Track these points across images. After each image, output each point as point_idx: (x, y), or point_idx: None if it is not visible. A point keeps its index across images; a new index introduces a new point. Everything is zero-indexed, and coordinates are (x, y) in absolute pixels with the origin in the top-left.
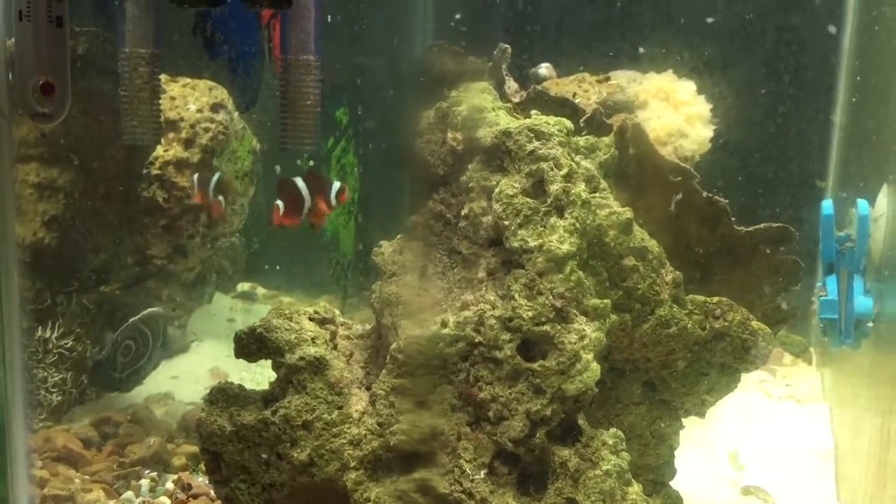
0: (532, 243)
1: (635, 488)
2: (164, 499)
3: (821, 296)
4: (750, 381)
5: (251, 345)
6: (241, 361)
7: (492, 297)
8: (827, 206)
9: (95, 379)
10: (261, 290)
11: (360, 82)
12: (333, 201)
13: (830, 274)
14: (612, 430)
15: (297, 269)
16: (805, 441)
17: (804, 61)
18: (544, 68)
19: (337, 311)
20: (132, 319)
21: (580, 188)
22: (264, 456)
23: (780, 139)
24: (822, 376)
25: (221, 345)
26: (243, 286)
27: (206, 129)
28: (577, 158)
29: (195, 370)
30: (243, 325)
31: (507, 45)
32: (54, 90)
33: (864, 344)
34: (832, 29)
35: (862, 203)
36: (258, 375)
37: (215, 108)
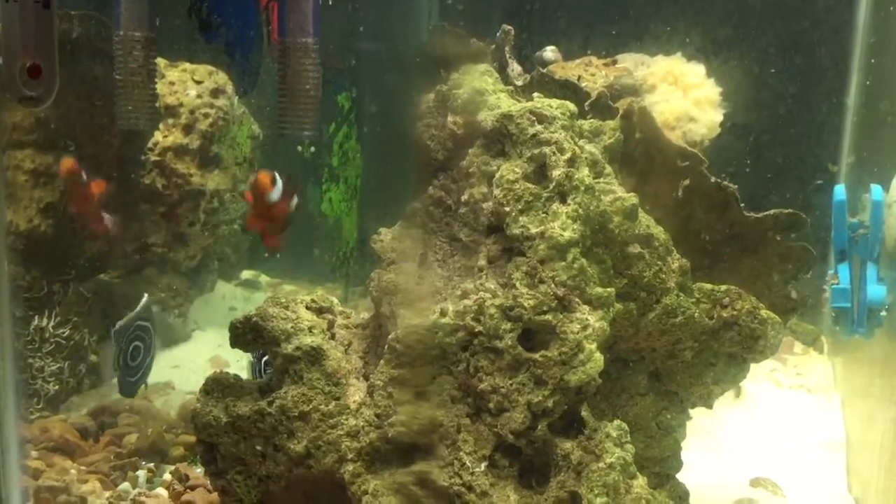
0: (533, 230)
1: (640, 481)
2: (161, 490)
3: (832, 284)
4: (760, 370)
5: (247, 334)
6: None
7: (492, 286)
8: (839, 191)
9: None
10: (264, 279)
11: (362, 65)
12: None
13: (843, 261)
14: (616, 421)
15: (300, 257)
16: (816, 432)
17: (816, 42)
18: (550, 51)
19: (335, 300)
20: (131, 318)
21: (583, 173)
22: (260, 448)
23: (790, 122)
24: (833, 365)
25: (222, 333)
26: (246, 274)
27: (206, 115)
28: (581, 143)
29: (195, 359)
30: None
31: (510, 27)
32: (41, 73)
33: (877, 333)
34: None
35: (876, 188)
36: None
37: (215, 93)
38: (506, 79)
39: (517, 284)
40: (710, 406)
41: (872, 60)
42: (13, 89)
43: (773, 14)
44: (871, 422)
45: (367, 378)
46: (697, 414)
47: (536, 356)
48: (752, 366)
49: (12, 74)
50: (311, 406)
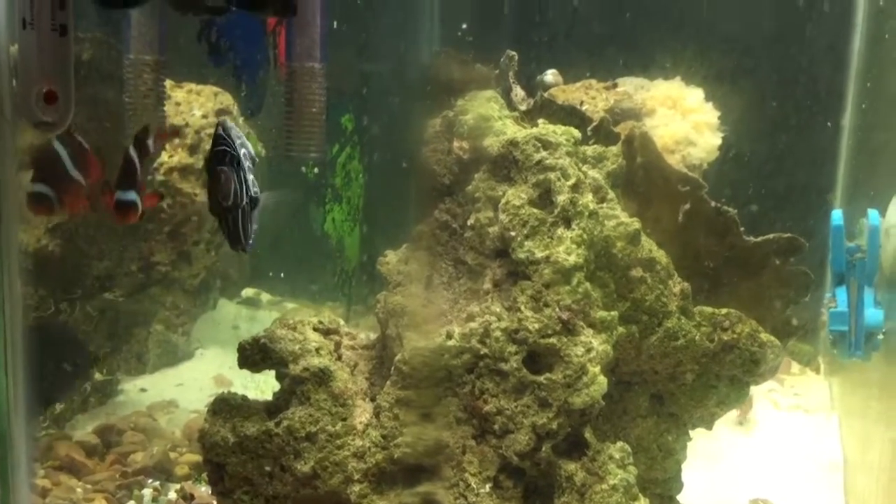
0: (539, 254)
1: (642, 502)
2: None
3: (830, 307)
4: (758, 390)
5: (255, 355)
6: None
7: (498, 309)
8: (837, 216)
9: None
10: (265, 297)
11: (366, 90)
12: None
13: (840, 285)
14: (619, 443)
15: (301, 276)
16: (814, 452)
17: (813, 72)
18: (550, 75)
19: (341, 321)
20: None
21: (588, 199)
22: (267, 468)
23: (788, 150)
24: (830, 386)
25: (226, 352)
26: (247, 292)
27: (211, 136)
28: (585, 168)
29: (199, 377)
30: (248, 332)
31: (513, 53)
32: (57, 99)
33: (874, 356)
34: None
35: (873, 213)
36: (262, 383)
37: (220, 113)
38: (510, 104)
39: (522, 308)
40: (710, 428)
41: (868, 85)
42: (29, 114)
43: (772, 45)
44: (869, 443)
45: (373, 399)
46: (697, 435)
47: (541, 379)
48: (755, 385)
49: (28, 100)
50: (317, 427)
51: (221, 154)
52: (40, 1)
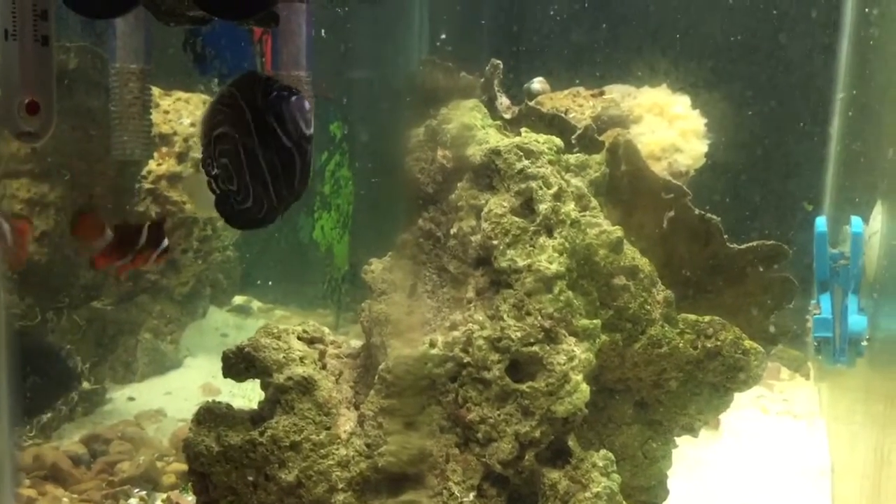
0: (521, 263)
1: None
2: None
3: (815, 314)
4: (747, 396)
5: (239, 364)
6: None
7: (480, 318)
8: (820, 223)
9: None
10: (256, 304)
11: (354, 98)
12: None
13: (824, 292)
14: (603, 451)
15: (291, 283)
16: (802, 458)
17: (799, 79)
18: (537, 83)
19: (326, 330)
20: None
21: (570, 207)
22: (251, 477)
23: (771, 158)
24: (819, 391)
25: (214, 360)
26: (238, 300)
27: (198, 141)
28: (568, 176)
29: (187, 386)
30: (236, 341)
31: (498, 61)
32: (39, 109)
33: (858, 362)
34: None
35: (856, 220)
36: (250, 392)
37: None
38: (494, 112)
39: (505, 316)
40: (695, 435)
41: (854, 93)
42: (11, 125)
43: (756, 53)
44: (855, 448)
45: (357, 407)
46: (683, 442)
47: (524, 387)
48: (739, 392)
49: (11, 110)
50: (302, 436)
51: (287, 88)
52: (23, 12)
